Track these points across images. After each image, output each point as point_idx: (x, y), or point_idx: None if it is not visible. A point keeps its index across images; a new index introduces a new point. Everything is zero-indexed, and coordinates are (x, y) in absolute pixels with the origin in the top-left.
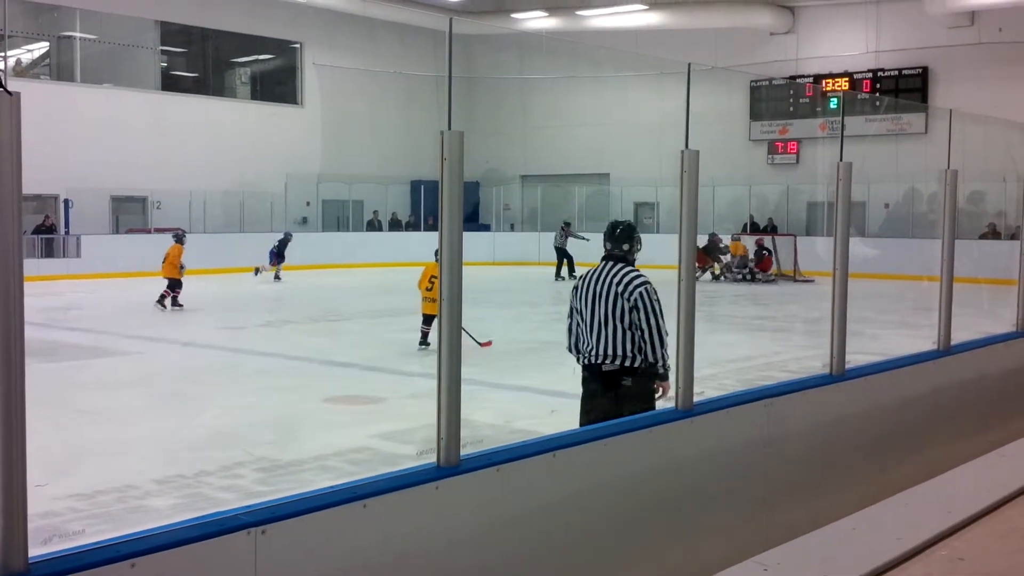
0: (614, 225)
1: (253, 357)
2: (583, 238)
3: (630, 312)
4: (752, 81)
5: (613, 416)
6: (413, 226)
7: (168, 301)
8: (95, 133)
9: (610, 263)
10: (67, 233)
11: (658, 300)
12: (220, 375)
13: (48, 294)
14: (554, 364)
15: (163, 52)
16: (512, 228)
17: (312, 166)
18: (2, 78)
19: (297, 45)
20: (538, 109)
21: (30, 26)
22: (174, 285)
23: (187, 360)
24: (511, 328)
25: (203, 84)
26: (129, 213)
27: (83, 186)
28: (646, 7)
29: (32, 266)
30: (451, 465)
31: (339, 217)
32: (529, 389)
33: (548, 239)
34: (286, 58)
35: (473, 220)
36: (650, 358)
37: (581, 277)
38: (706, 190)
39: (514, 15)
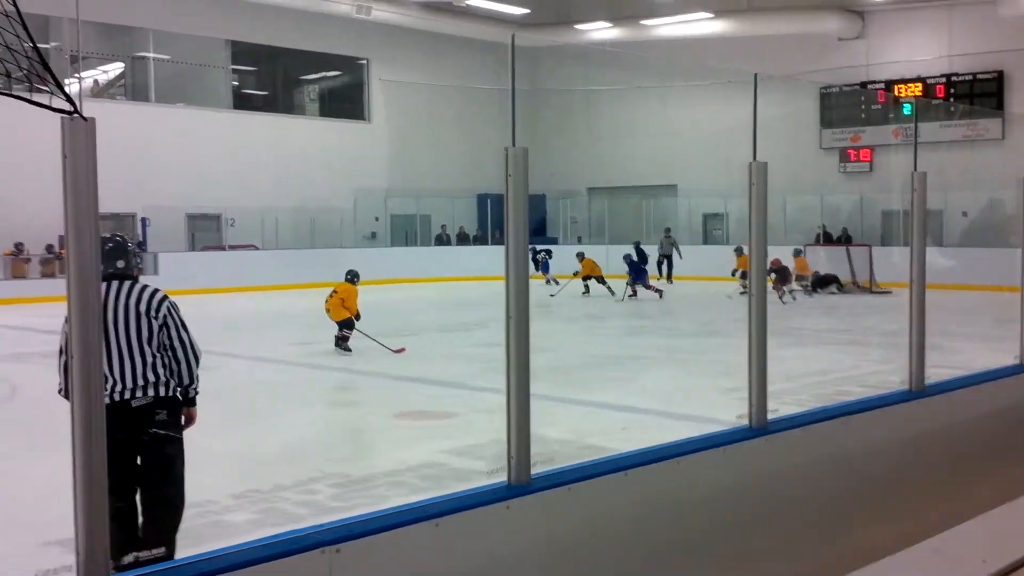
0: (101, 242)
1: (324, 372)
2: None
3: (159, 332)
4: (822, 88)
5: (138, 469)
6: (480, 240)
7: None
8: (170, 152)
9: (117, 283)
10: (145, 251)
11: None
12: (292, 390)
13: None
14: (625, 379)
15: (234, 71)
16: (580, 240)
17: (380, 181)
18: (77, 104)
19: (364, 61)
20: (604, 121)
21: (104, 47)
22: None
23: (259, 375)
24: (580, 342)
25: (273, 102)
26: (204, 231)
27: (159, 204)
28: (711, 16)
29: None
30: (522, 484)
31: (407, 232)
32: (599, 404)
33: (616, 251)
34: (353, 75)
35: (541, 233)
36: (185, 379)
37: None
38: (776, 200)
39: (578, 26)
